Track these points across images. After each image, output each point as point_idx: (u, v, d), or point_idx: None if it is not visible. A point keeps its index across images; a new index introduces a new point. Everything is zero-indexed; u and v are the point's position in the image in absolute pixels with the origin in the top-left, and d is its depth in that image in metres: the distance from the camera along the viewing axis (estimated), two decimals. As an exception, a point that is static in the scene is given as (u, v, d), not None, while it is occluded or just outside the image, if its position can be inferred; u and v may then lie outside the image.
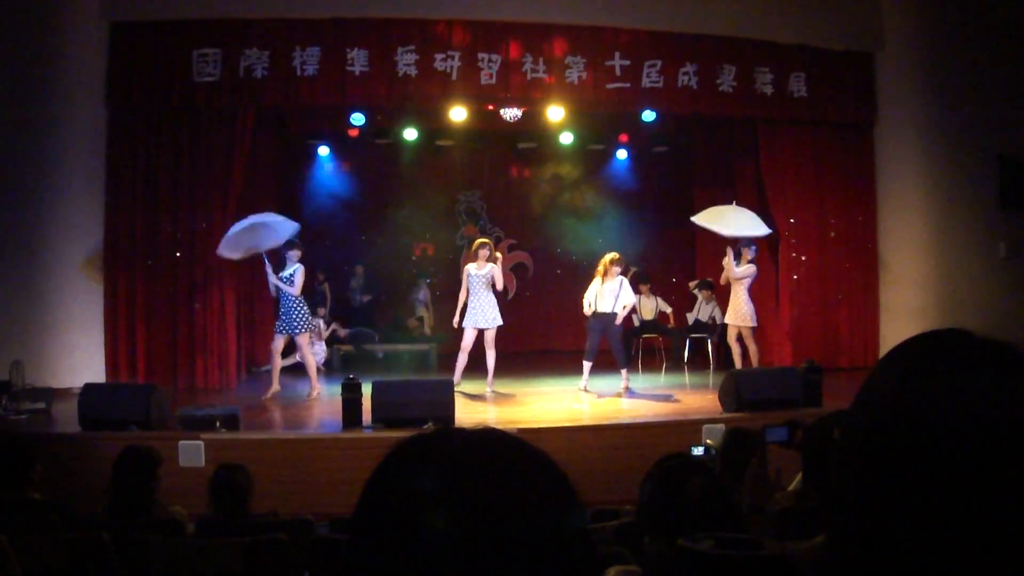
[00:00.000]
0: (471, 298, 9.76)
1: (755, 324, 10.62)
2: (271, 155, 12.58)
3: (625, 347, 11.26)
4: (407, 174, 14.49)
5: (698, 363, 12.80)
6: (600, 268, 9.83)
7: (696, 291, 13.08)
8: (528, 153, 14.58)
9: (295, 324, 9.42)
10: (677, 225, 14.65)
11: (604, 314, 9.58)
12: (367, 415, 7.71)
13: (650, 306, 13.18)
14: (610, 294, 9.55)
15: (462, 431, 0.94)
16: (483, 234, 14.71)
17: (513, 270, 14.88)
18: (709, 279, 12.69)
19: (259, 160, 12.10)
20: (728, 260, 10.59)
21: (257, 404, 9.25)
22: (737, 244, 10.68)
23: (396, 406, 7.66)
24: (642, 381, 11.28)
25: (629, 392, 9.84)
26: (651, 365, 12.92)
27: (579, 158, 14.55)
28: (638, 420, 8.13)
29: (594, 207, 14.48)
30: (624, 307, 9.71)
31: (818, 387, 8.39)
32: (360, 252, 14.56)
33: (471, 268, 9.83)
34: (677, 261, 15.03)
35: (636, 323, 13.10)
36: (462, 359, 9.75)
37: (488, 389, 9.80)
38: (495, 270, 9.78)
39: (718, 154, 13.47)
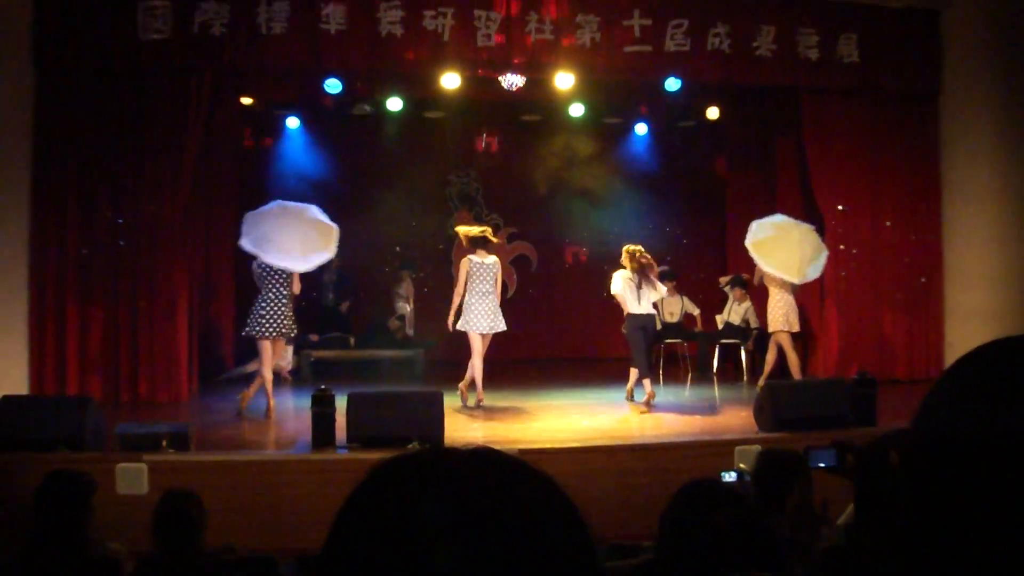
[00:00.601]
0: (472, 296, 9.80)
1: (794, 330, 10.67)
2: (231, 128, 12.58)
3: (646, 354, 11.35)
4: (390, 151, 14.49)
5: (729, 373, 12.81)
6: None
7: (727, 289, 13.10)
8: (532, 127, 14.58)
9: (250, 324, 9.46)
10: (706, 212, 14.68)
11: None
12: (341, 433, 7.70)
13: (675, 307, 13.19)
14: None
15: (453, 451, 0.94)
16: (479, 221, 14.73)
17: (513, 263, 14.90)
18: (743, 275, 12.71)
19: (217, 133, 12.08)
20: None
21: (250, 419, 9.26)
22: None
23: (375, 423, 7.65)
24: (664, 394, 11.28)
25: (652, 405, 9.96)
26: (674, 375, 12.94)
27: (591, 133, 14.55)
28: (659, 440, 8.12)
29: (609, 190, 14.49)
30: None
31: (871, 402, 8.41)
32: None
33: (474, 259, 9.85)
34: (706, 254, 15.04)
35: (658, 326, 13.11)
36: (479, 366, 9.76)
37: (476, 401, 9.93)
38: (499, 264, 9.93)
39: (754, 130, 13.48)
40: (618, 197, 14.52)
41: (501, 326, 9.88)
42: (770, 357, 11.08)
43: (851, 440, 4.74)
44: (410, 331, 13.66)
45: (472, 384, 9.92)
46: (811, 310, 12.26)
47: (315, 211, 9.83)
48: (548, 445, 7.82)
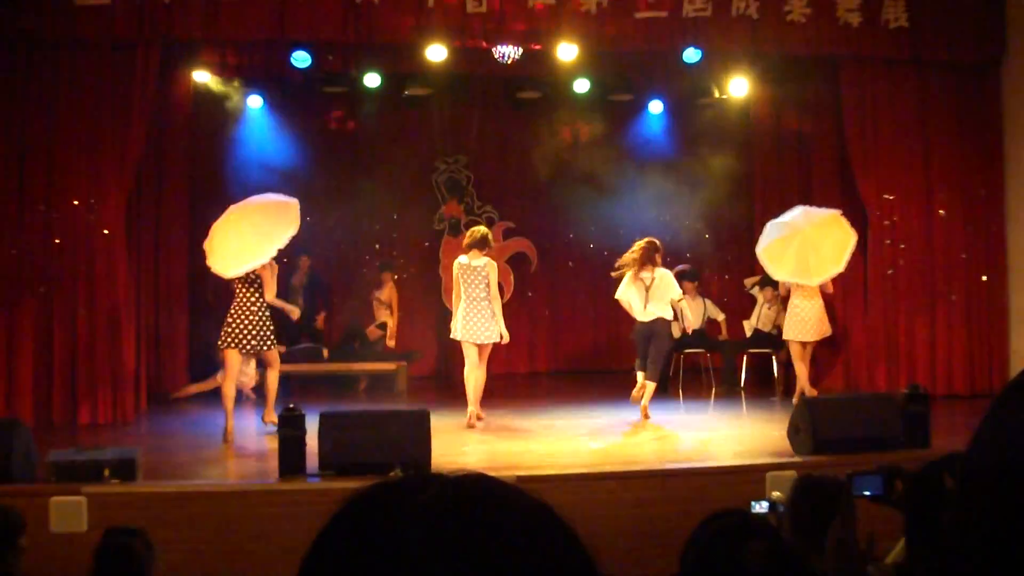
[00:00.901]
0: (464, 301, 10.03)
1: (807, 339, 10.80)
2: (184, 108, 12.57)
3: (665, 364, 11.39)
4: (368, 134, 14.49)
5: (759, 387, 12.82)
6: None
7: (755, 292, 13.11)
8: (530, 106, 14.59)
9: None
10: (731, 202, 14.68)
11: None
12: (312, 459, 7.70)
13: (696, 311, 13.20)
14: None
15: (440, 478, 0.94)
16: (469, 213, 14.74)
17: (510, 263, 14.91)
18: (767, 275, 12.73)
19: (168, 114, 12.08)
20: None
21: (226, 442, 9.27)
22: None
23: (351, 447, 7.65)
24: (685, 412, 11.27)
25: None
26: (696, 390, 12.94)
27: (599, 113, 14.57)
28: (679, 466, 8.12)
29: (619, 178, 14.49)
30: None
31: (924, 421, 8.41)
32: (305, 238, 14.55)
33: (462, 260, 10.12)
34: (731, 250, 15.05)
35: (677, 333, 13.13)
36: (470, 381, 10.03)
37: (470, 419, 10.16)
38: (492, 266, 10.09)
39: (786, 106, 13.48)
40: (630, 186, 14.52)
41: (491, 336, 10.00)
42: (797, 369, 11.14)
43: (901, 465, 4.74)
44: (392, 341, 13.67)
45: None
46: (853, 314, 12.27)
47: (262, 197, 9.93)
48: (551, 471, 7.82)
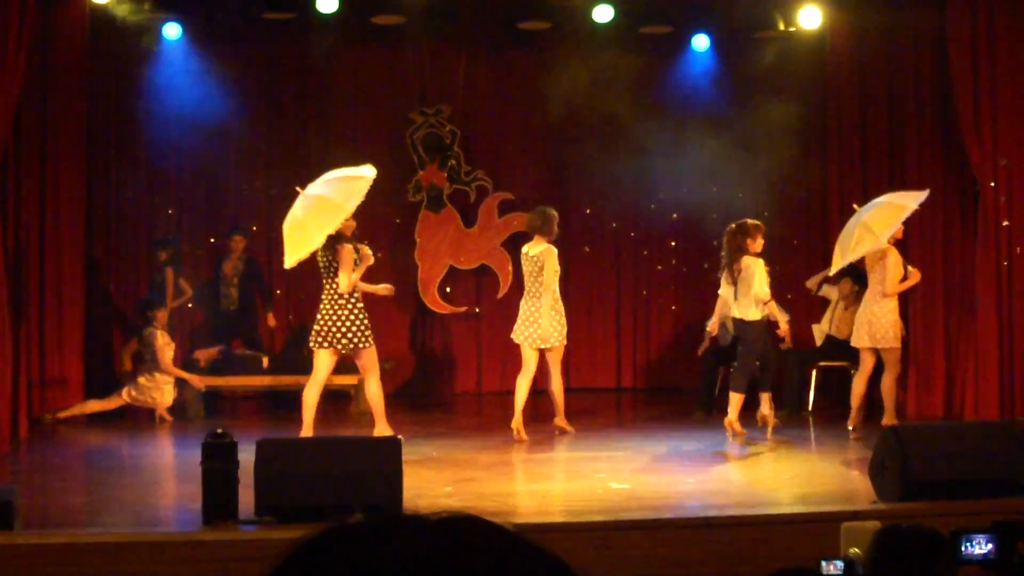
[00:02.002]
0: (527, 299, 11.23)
1: (860, 345, 10.88)
2: (77, 39, 12.54)
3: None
4: (322, 77, 14.47)
5: (831, 408, 12.83)
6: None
7: (825, 291, 13.11)
8: (535, 41, 14.59)
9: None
10: (797, 170, 14.67)
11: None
12: (247, 501, 7.70)
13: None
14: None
15: (416, 521, 0.92)
16: (455, 181, 14.71)
17: (507, 246, 14.90)
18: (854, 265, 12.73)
19: (55, 47, 12.05)
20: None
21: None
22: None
23: (298, 485, 7.65)
24: (733, 442, 11.28)
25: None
26: (747, 411, 12.93)
27: (626, 50, 14.54)
28: (726, 512, 8.12)
29: (650, 137, 14.48)
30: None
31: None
32: (238, 212, 14.55)
33: (523, 249, 11.24)
34: (798, 231, 15.05)
35: (726, 340, 13.12)
36: (519, 387, 11.16)
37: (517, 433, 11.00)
38: (549, 252, 11.16)
39: (872, 43, 13.47)
40: (665, 146, 14.48)
41: (548, 339, 11.15)
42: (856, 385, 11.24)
43: (1021, 520, 4.73)
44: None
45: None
46: (956, 319, 12.27)
47: (333, 172, 10.90)
48: (558, 519, 7.83)
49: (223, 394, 13.19)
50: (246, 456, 7.76)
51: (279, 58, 14.55)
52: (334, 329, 10.35)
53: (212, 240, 14.48)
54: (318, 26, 13.74)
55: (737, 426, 11.00)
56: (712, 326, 11.93)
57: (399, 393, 13.93)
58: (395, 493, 7.76)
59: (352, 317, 10.37)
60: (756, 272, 11.02)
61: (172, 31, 13.96)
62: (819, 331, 13.11)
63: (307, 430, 10.26)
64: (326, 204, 10.33)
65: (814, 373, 13.00)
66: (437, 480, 9.30)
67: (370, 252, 10.61)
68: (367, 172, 10.57)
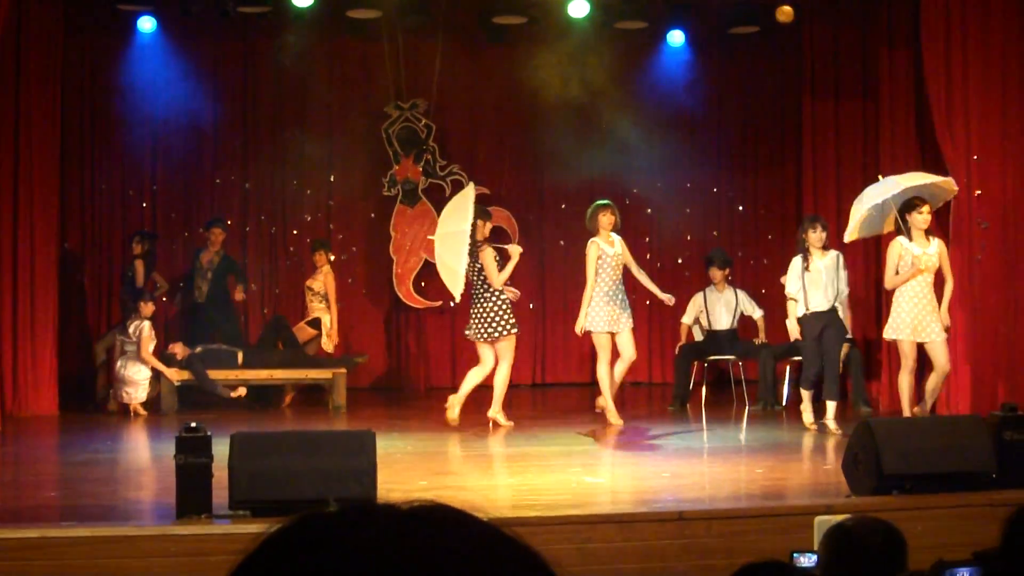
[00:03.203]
0: (601, 290, 11.33)
1: (897, 337, 10.84)
2: (50, 32, 12.49)
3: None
4: (298, 70, 14.43)
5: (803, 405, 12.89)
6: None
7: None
8: (511, 35, 14.57)
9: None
10: (773, 163, 14.71)
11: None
12: (220, 494, 7.68)
13: (725, 307, 13.22)
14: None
15: (388, 509, 0.93)
16: (430, 176, 14.70)
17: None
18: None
19: (28, 42, 12.00)
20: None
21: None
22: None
23: (272, 479, 7.61)
24: (708, 436, 11.30)
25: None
26: (725, 409, 12.98)
27: (602, 45, 14.54)
28: (702, 507, 8.13)
29: (627, 131, 14.49)
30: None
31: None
32: (212, 205, 14.51)
33: (603, 245, 11.40)
34: (773, 227, 15.08)
35: (699, 336, 13.14)
36: (606, 371, 11.45)
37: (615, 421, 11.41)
38: (623, 247, 11.60)
39: (847, 38, 13.50)
40: (641, 142, 14.51)
41: (622, 325, 11.50)
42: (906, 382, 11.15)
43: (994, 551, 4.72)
44: (329, 343, 13.61)
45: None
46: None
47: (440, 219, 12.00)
48: (532, 512, 7.82)
49: (197, 388, 13.14)
50: (220, 450, 7.75)
51: (254, 52, 14.52)
52: (483, 323, 11.48)
53: (186, 234, 14.44)
54: (293, 19, 13.70)
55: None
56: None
57: (373, 387, 13.92)
58: (369, 487, 7.74)
59: (495, 310, 11.46)
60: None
61: (147, 24, 13.90)
62: (792, 325, 13.12)
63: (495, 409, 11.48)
64: (449, 238, 11.41)
65: (788, 368, 13.03)
66: (412, 474, 9.29)
67: (518, 249, 11.85)
68: (468, 190, 11.92)
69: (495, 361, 11.55)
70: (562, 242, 15.04)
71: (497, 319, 11.46)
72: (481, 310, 11.51)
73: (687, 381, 12.85)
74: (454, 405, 11.49)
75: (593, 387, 12.68)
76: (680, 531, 7.69)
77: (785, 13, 13.33)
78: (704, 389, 12.95)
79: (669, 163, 14.37)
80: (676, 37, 14.92)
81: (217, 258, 13.77)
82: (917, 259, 10.82)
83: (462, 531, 0.92)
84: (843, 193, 13.73)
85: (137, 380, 12.47)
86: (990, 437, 8.43)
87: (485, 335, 11.47)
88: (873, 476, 8.19)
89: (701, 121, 14.74)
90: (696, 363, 13.01)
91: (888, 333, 11.04)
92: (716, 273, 13.16)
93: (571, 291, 14.73)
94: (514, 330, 11.53)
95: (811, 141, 13.96)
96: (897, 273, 10.87)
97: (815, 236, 11.11)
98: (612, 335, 11.44)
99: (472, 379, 11.64)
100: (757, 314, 13.38)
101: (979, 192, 11.72)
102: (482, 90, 15.05)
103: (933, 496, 7.90)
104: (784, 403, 12.87)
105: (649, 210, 14.95)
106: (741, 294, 13.37)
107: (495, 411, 11.52)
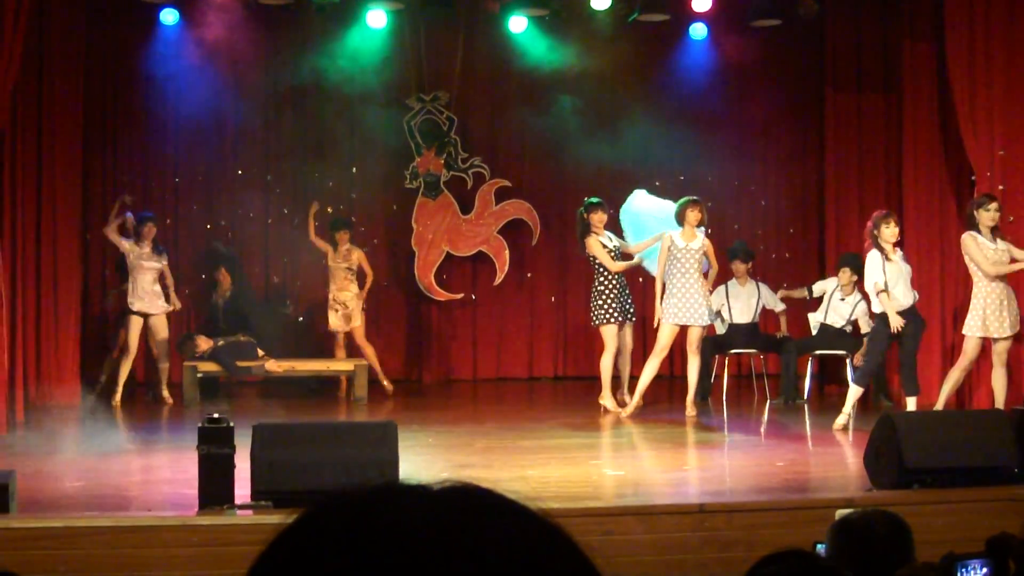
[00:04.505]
0: (675, 283, 11.59)
1: (977, 334, 10.71)
2: (74, 23, 12.51)
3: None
4: (320, 62, 14.42)
5: (829, 399, 12.83)
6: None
7: (817, 288, 13.07)
8: (532, 29, 14.53)
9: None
10: (794, 157, 14.66)
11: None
12: (243, 485, 7.70)
13: (747, 300, 13.18)
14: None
15: (420, 490, 0.93)
16: (451, 168, 14.69)
17: (504, 234, 14.89)
18: (855, 253, 12.74)
19: (51, 35, 12.02)
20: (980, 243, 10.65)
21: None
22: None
23: (294, 469, 7.62)
24: (730, 430, 11.28)
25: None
26: (745, 402, 12.95)
27: (624, 38, 14.52)
28: (722, 500, 8.13)
29: (648, 125, 14.48)
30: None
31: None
32: (236, 197, 14.51)
33: (676, 238, 11.57)
34: (795, 221, 15.04)
35: (721, 329, 13.10)
36: (653, 366, 11.70)
37: (691, 412, 11.64)
38: (708, 245, 11.81)
39: (870, 30, 13.45)
40: (662, 134, 14.49)
41: (698, 319, 11.67)
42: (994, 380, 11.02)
43: (1009, 536, 4.70)
44: (347, 323, 13.52)
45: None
46: (948, 305, 12.27)
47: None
48: (553, 504, 7.81)
49: (220, 379, 13.17)
50: (243, 441, 7.76)
51: (277, 44, 14.51)
52: (592, 306, 12.10)
53: (208, 226, 14.46)
54: (315, 12, 13.70)
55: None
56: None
57: (394, 379, 13.92)
58: (392, 478, 7.76)
59: (600, 298, 12.04)
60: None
61: (169, 17, 13.92)
62: (814, 320, 13.10)
63: (605, 396, 11.91)
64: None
65: (810, 362, 13.00)
66: (432, 466, 9.29)
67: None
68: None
69: (619, 344, 12.12)
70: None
71: (595, 306, 12.07)
72: (592, 295, 12.21)
73: (709, 374, 12.82)
74: (628, 402, 11.83)
75: (615, 380, 12.67)
76: (701, 523, 7.68)
77: (807, 6, 13.30)
78: (725, 382, 12.91)
79: (691, 156, 14.32)
80: (698, 30, 14.87)
81: (235, 248, 13.79)
82: (994, 256, 10.70)
83: (494, 511, 0.92)
84: (865, 186, 13.70)
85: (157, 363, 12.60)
86: (1012, 431, 8.41)
87: (593, 318, 12.16)
88: (894, 470, 8.17)
89: (723, 114, 14.69)
90: (718, 356, 12.98)
91: (968, 330, 10.84)
92: (739, 267, 13.12)
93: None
94: (611, 319, 11.96)
95: (833, 134, 13.94)
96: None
97: (889, 232, 10.90)
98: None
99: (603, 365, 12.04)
100: (779, 308, 13.34)
101: (1002, 187, 11.66)
102: (504, 83, 15.02)
103: (954, 490, 7.88)
104: (806, 397, 12.84)
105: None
106: (763, 288, 13.33)
107: (603, 397, 11.93)
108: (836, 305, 12.83)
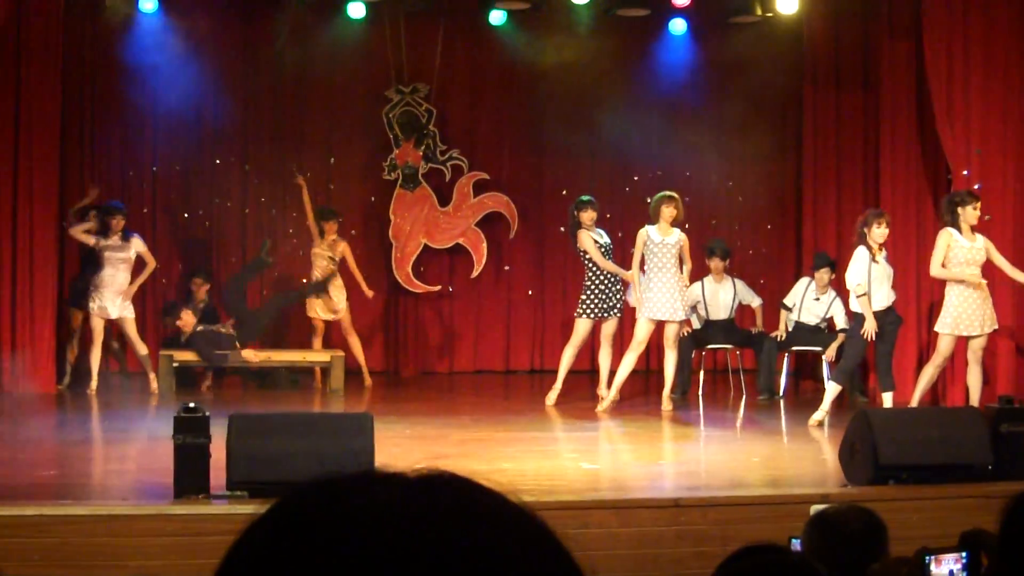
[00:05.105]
0: (651, 277, 11.52)
1: (955, 332, 10.72)
2: (49, 13, 12.45)
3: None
4: (299, 53, 14.38)
5: (804, 395, 12.86)
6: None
7: (785, 303, 13.11)
8: (512, 22, 14.52)
9: None
10: (773, 154, 14.68)
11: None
12: (218, 475, 7.69)
13: (723, 297, 13.19)
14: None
15: (397, 478, 0.92)
16: (430, 160, 14.67)
17: (482, 226, 14.87)
18: (825, 252, 12.79)
19: (29, 22, 11.99)
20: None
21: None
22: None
23: (270, 460, 7.60)
24: (705, 425, 11.30)
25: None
26: (721, 398, 12.98)
27: (604, 32, 14.52)
28: (697, 494, 8.14)
29: (627, 118, 14.48)
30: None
31: (1021, 444, 8.42)
32: (214, 186, 14.48)
33: (652, 233, 11.59)
34: (773, 218, 15.07)
35: (697, 325, 13.12)
36: (630, 360, 11.64)
37: (667, 407, 11.62)
38: (684, 241, 11.71)
39: (849, 28, 13.47)
40: (641, 129, 14.51)
41: (672, 315, 11.58)
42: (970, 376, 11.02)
43: (982, 531, 4.72)
44: (328, 308, 13.44)
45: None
46: (922, 303, 12.31)
47: None
48: (529, 498, 7.79)
49: (196, 369, 13.13)
50: (218, 430, 7.75)
51: (256, 33, 14.46)
52: (579, 299, 12.12)
53: (186, 215, 14.42)
54: (294, 4, 13.67)
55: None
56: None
57: (371, 371, 13.89)
58: (368, 467, 7.76)
59: (585, 292, 12.03)
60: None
61: (148, 4, 13.85)
62: (785, 319, 13.12)
63: (555, 388, 12.01)
64: None
65: (786, 358, 13.03)
66: (408, 457, 9.28)
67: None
68: None
69: (606, 339, 12.08)
70: (562, 228, 14.99)
71: (581, 298, 12.10)
72: (582, 287, 12.17)
73: (688, 369, 12.84)
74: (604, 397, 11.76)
75: (592, 375, 12.71)
76: (676, 518, 7.69)
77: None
78: (701, 377, 12.93)
79: (669, 151, 14.35)
80: (678, 25, 14.88)
81: (204, 304, 13.62)
82: (968, 254, 10.68)
83: (470, 498, 0.91)
84: (843, 183, 13.73)
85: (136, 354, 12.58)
86: (987, 429, 8.44)
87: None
88: (869, 466, 8.19)
89: (701, 110, 14.70)
90: (695, 352, 13.00)
91: (941, 328, 10.83)
92: (717, 264, 13.09)
93: (570, 277, 14.73)
94: (585, 313, 11.96)
95: (812, 131, 13.97)
96: (944, 265, 10.75)
97: (879, 232, 10.83)
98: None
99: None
100: (756, 303, 13.36)
101: (978, 185, 11.71)
102: (483, 76, 15.01)
103: (929, 487, 7.91)
104: (782, 393, 12.87)
105: (648, 198, 14.88)
106: (739, 283, 13.34)
107: (553, 390, 12.05)
108: (810, 305, 12.86)
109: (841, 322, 12.50)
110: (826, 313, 12.73)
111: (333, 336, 13.66)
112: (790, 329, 13.03)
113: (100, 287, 12.44)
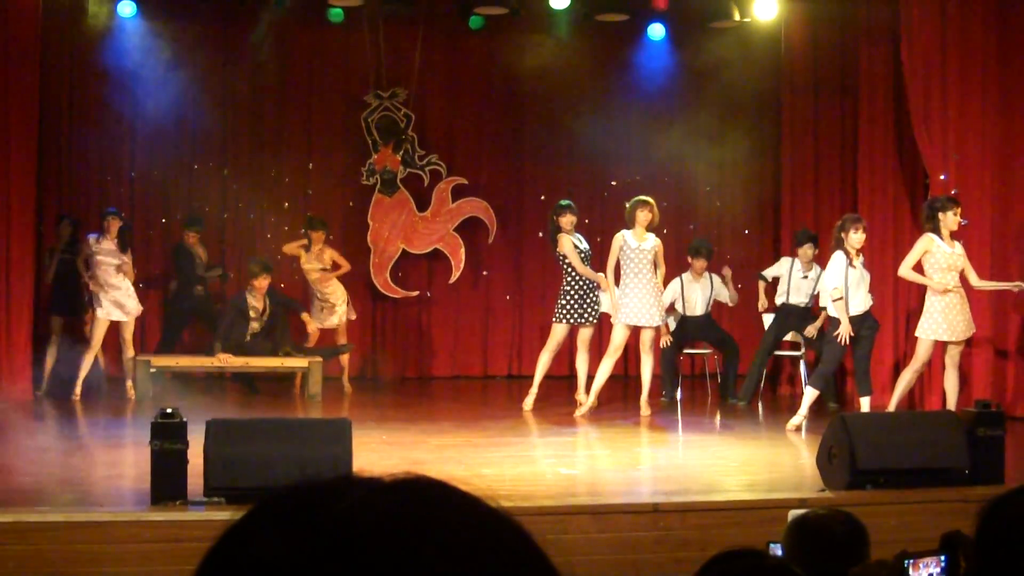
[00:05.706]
0: (627, 283, 11.59)
1: (936, 338, 10.71)
2: (28, 17, 12.42)
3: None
4: (278, 57, 14.38)
5: (782, 395, 12.89)
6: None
7: (765, 275, 13.07)
8: (491, 26, 14.54)
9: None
10: (752, 156, 14.72)
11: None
12: (196, 481, 7.66)
13: (700, 293, 13.16)
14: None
15: (371, 482, 0.92)
16: (408, 165, 14.67)
17: (460, 231, 14.88)
18: (806, 228, 12.80)
19: (7, 26, 11.98)
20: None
21: None
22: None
23: (248, 466, 7.59)
24: (683, 428, 11.31)
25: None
26: (700, 398, 13.00)
27: (582, 37, 14.56)
28: (675, 499, 8.14)
29: (606, 123, 14.51)
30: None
31: (997, 448, 8.45)
32: (192, 191, 14.46)
33: (628, 238, 11.62)
34: (751, 219, 15.11)
35: (673, 324, 13.10)
36: (608, 366, 11.71)
37: (645, 412, 11.66)
38: (659, 246, 11.78)
39: (827, 33, 13.52)
40: (620, 133, 14.54)
41: (649, 320, 11.69)
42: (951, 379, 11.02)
43: (959, 533, 4.73)
44: (331, 317, 13.45)
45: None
46: (900, 308, 12.34)
47: None
48: (507, 503, 7.78)
49: (175, 374, 13.10)
50: (196, 436, 7.73)
51: (234, 38, 14.45)
52: (556, 304, 12.14)
53: (164, 220, 14.40)
54: (273, 6, 13.65)
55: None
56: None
57: (349, 376, 13.88)
58: (346, 473, 7.75)
59: (563, 297, 11.99)
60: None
61: (127, 9, 13.83)
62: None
63: (532, 391, 12.08)
64: None
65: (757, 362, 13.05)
66: (386, 463, 9.27)
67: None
68: None
69: (583, 344, 12.12)
70: (540, 233, 15.00)
71: (556, 304, 12.10)
72: (559, 292, 12.13)
73: (676, 372, 12.86)
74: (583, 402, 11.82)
75: (570, 380, 12.72)
76: (655, 523, 7.69)
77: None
78: (679, 381, 12.95)
79: (648, 156, 14.38)
80: (657, 30, 14.92)
81: (200, 247, 13.74)
82: (949, 260, 10.68)
83: (447, 502, 0.91)
84: (821, 188, 13.77)
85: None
86: (963, 433, 8.46)
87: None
88: (847, 471, 8.20)
89: (680, 114, 14.74)
90: (678, 354, 13.00)
91: (921, 332, 10.82)
92: (700, 263, 13.03)
93: (548, 282, 14.75)
94: (562, 318, 11.97)
95: (790, 135, 14.01)
96: (923, 272, 10.75)
97: (856, 237, 10.84)
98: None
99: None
100: (732, 302, 13.31)
101: (955, 191, 11.75)
102: (462, 81, 15.04)
103: (906, 491, 7.92)
104: (759, 393, 12.87)
105: (627, 203, 14.94)
106: (716, 280, 13.32)
107: (529, 394, 12.11)
108: (799, 284, 12.69)
109: (826, 298, 12.40)
110: (813, 290, 12.52)
111: (324, 340, 13.60)
112: (778, 305, 12.85)
113: (107, 290, 12.44)
